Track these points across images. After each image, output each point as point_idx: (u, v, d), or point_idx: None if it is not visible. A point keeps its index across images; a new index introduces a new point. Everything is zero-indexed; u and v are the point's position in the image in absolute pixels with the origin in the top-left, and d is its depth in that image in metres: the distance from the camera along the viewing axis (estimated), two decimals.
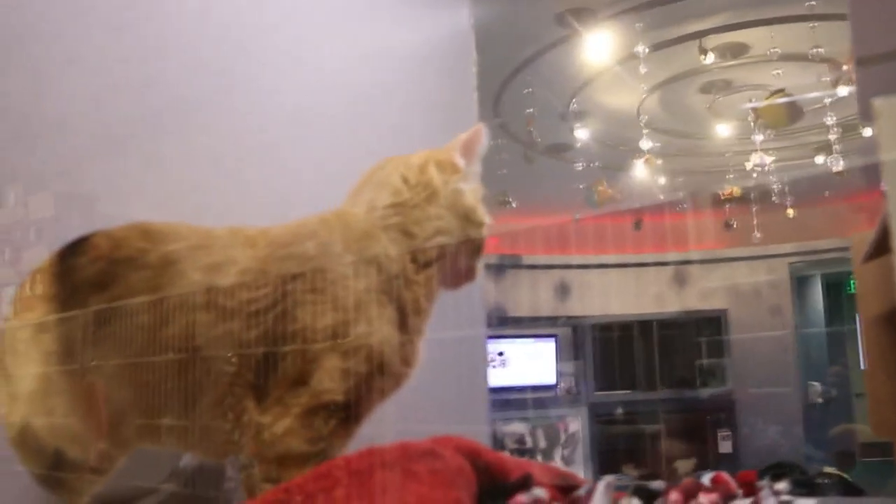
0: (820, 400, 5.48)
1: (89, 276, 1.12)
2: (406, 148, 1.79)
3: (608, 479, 0.95)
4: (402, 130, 2.00)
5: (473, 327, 1.85)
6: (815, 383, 5.47)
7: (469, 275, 1.18)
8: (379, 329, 1.09)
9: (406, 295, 1.13)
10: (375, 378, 1.10)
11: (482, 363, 2.07)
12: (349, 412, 1.09)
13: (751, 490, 1.03)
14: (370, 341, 1.09)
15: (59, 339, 1.13)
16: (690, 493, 0.97)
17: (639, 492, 0.95)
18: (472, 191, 1.19)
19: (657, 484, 0.99)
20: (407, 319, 1.12)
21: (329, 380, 1.08)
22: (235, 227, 1.16)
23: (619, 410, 5.78)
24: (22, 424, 1.16)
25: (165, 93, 1.50)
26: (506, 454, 1.14)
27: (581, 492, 1.00)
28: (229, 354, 1.09)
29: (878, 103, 0.76)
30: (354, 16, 1.91)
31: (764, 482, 1.04)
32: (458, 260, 1.15)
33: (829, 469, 4.23)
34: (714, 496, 0.99)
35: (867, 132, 3.98)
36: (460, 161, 1.18)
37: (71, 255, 1.16)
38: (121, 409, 1.13)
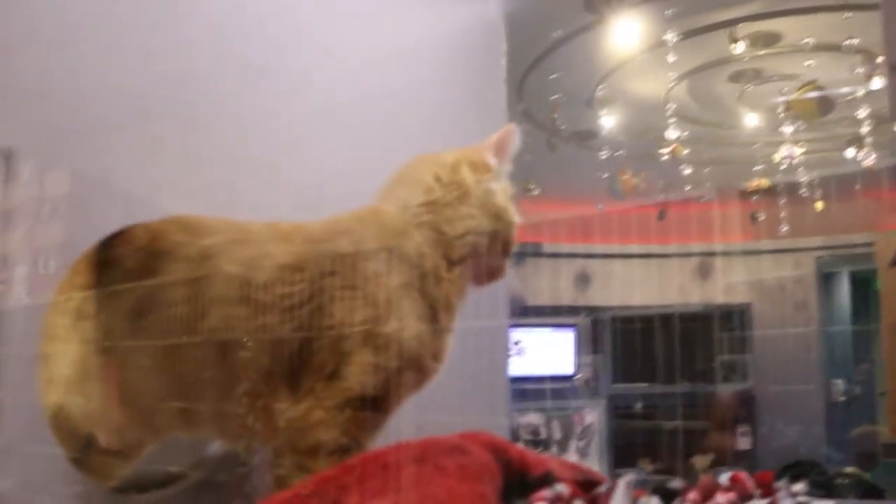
0: (843, 398, 5.42)
1: (128, 267, 1.16)
2: (435, 140, 1.76)
3: (628, 477, 0.97)
4: (431, 122, 1.99)
5: (495, 318, 1.84)
6: (839, 381, 5.40)
7: (498, 272, 1.22)
8: (410, 325, 1.12)
9: (437, 292, 1.15)
10: (405, 373, 1.13)
11: (503, 354, 2.06)
12: (379, 406, 1.12)
13: (768, 490, 1.05)
14: (401, 337, 1.11)
15: (98, 327, 1.16)
16: (708, 493, 0.98)
17: (658, 490, 0.97)
18: (503, 190, 1.21)
19: (676, 483, 1.01)
20: (437, 315, 1.15)
21: (360, 374, 1.10)
22: (272, 223, 1.19)
23: (637, 403, 5.73)
24: (56, 408, 1.19)
25: (196, 84, 1.50)
26: (528, 450, 1.16)
27: (602, 489, 1.03)
28: (263, 344, 1.11)
29: None
30: (384, 7, 1.89)
31: (781, 483, 1.06)
32: (488, 258, 1.18)
33: (849, 469, 4.18)
34: (731, 495, 1.01)
35: None
36: (492, 161, 1.20)
37: (111, 245, 1.19)
38: (156, 397, 1.17)
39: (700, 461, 5.38)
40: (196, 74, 1.49)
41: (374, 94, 1.83)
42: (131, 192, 1.41)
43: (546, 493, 0.99)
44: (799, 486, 1.08)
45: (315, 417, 1.09)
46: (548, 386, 5.71)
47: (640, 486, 1.16)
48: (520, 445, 1.13)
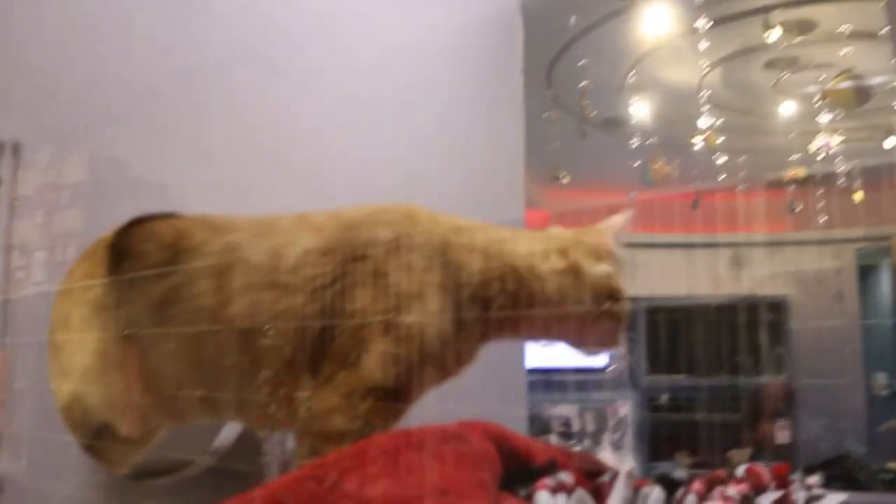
0: (884, 392, 5.31)
1: (153, 262, 1.20)
2: (450, 131, 1.76)
3: (629, 466, 1.01)
4: (445, 114, 1.99)
5: None
6: (880, 374, 5.29)
7: (610, 342, 1.22)
8: (433, 322, 1.12)
9: (468, 300, 1.15)
10: (424, 368, 1.14)
11: (520, 346, 2.08)
12: (397, 397, 1.13)
13: (783, 483, 1.08)
14: (422, 332, 1.12)
15: (121, 317, 1.21)
16: (714, 484, 1.01)
17: (661, 480, 1.00)
18: (616, 271, 1.21)
19: (680, 473, 1.05)
20: (465, 321, 1.15)
21: (377, 364, 1.11)
22: (303, 214, 1.22)
23: (672, 396, 5.67)
24: (71, 396, 1.23)
25: (210, 76, 1.52)
26: (532, 439, 1.20)
27: (605, 478, 1.07)
28: (286, 329, 1.14)
29: None
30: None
31: (796, 476, 1.10)
32: (595, 329, 1.18)
33: (893, 464, 4.11)
34: (744, 486, 1.04)
35: None
36: (612, 246, 1.23)
37: (133, 237, 1.24)
38: (181, 384, 1.20)
39: (737, 455, 5.31)
40: (208, 67, 1.51)
41: (388, 85, 1.83)
42: (144, 181, 1.43)
43: (548, 481, 1.00)
44: (814, 479, 1.08)
45: (332, 404, 1.10)
46: (580, 378, 5.68)
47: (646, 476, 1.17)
48: (522, 434, 1.17)
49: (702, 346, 5.48)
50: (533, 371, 5.44)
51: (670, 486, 1.01)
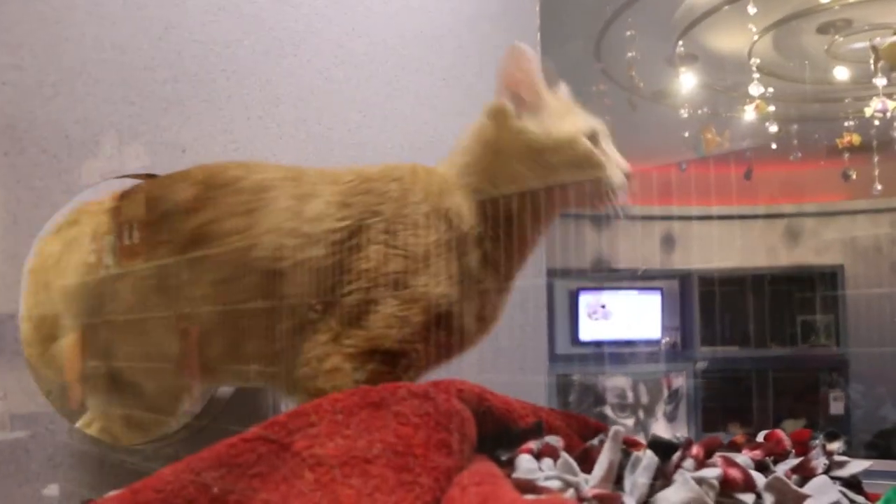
0: None
1: (184, 201, 1.18)
2: (462, 98, 1.78)
3: (618, 428, 0.92)
4: (458, 81, 1.98)
5: (532, 277, 1.84)
6: None
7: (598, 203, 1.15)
8: (440, 283, 1.10)
9: (475, 253, 1.13)
10: (435, 332, 1.11)
11: (541, 314, 2.06)
12: (402, 362, 1.10)
13: (803, 449, 1.03)
14: (430, 293, 1.09)
15: (156, 274, 1.19)
16: (712, 449, 0.94)
17: (654, 444, 0.93)
18: (553, 122, 1.13)
19: (676, 438, 0.96)
20: (474, 277, 1.13)
21: (384, 325, 1.09)
22: (324, 168, 1.21)
23: (727, 367, 5.65)
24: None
25: (226, 53, 1.55)
26: (517, 400, 1.11)
27: (595, 441, 1.00)
28: (303, 280, 1.11)
29: None
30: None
31: (817, 441, 1.03)
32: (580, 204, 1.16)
33: None
34: (757, 452, 0.99)
35: None
36: (507, 102, 1.13)
37: (162, 184, 1.26)
38: (206, 337, 1.18)
39: (790, 425, 5.29)
40: (225, 43, 1.54)
41: (408, 66, 1.85)
42: (187, 145, 1.47)
43: (533, 444, 0.94)
44: (836, 445, 1.04)
45: (332, 363, 1.08)
46: (634, 349, 5.68)
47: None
48: (507, 396, 1.08)
49: (755, 317, 5.44)
50: (587, 343, 5.49)
51: (666, 450, 0.93)
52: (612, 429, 0.91)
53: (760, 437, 1.07)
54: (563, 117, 1.15)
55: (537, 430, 1.00)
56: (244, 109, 1.55)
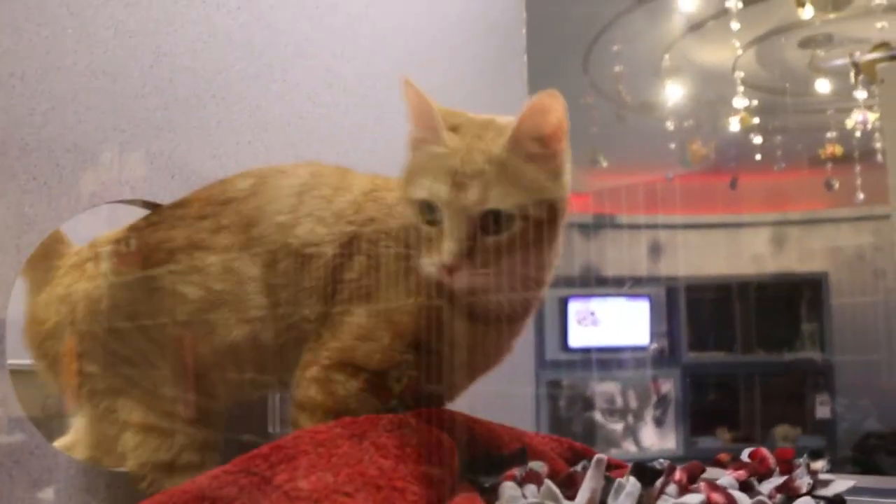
0: None
1: (194, 215, 1.24)
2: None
3: (601, 455, 0.93)
4: (447, 103, 2.03)
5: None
6: None
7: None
8: (408, 299, 1.09)
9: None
10: (412, 351, 1.09)
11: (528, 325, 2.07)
12: (375, 378, 1.08)
13: (787, 467, 1.04)
14: (398, 309, 1.09)
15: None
16: (695, 474, 0.96)
17: (637, 470, 0.94)
18: (413, 174, 1.09)
19: (659, 463, 0.98)
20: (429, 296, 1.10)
21: (350, 338, 1.10)
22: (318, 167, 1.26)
23: (714, 373, 5.70)
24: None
25: (217, 70, 1.58)
26: (503, 426, 1.13)
27: (578, 468, 1.02)
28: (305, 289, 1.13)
29: (882, 68, 0.76)
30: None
31: (801, 460, 1.05)
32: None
33: None
34: (741, 473, 1.01)
35: None
36: (414, 134, 1.11)
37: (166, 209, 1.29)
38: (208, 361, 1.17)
39: (781, 431, 5.34)
40: (216, 70, 1.56)
41: (397, 89, 1.86)
42: (187, 155, 1.50)
43: (515, 471, 0.94)
44: (819, 464, 1.03)
45: (312, 373, 1.09)
46: (623, 356, 5.73)
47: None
48: (489, 421, 1.09)
49: (742, 323, 5.50)
50: (577, 350, 5.53)
51: (649, 475, 0.94)
52: (595, 456, 0.93)
53: (745, 455, 1.09)
54: (422, 172, 1.07)
55: (521, 457, 1.03)
56: (234, 135, 1.58)
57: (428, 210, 1.04)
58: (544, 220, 1.05)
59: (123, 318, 1.22)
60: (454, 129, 1.08)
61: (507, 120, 1.07)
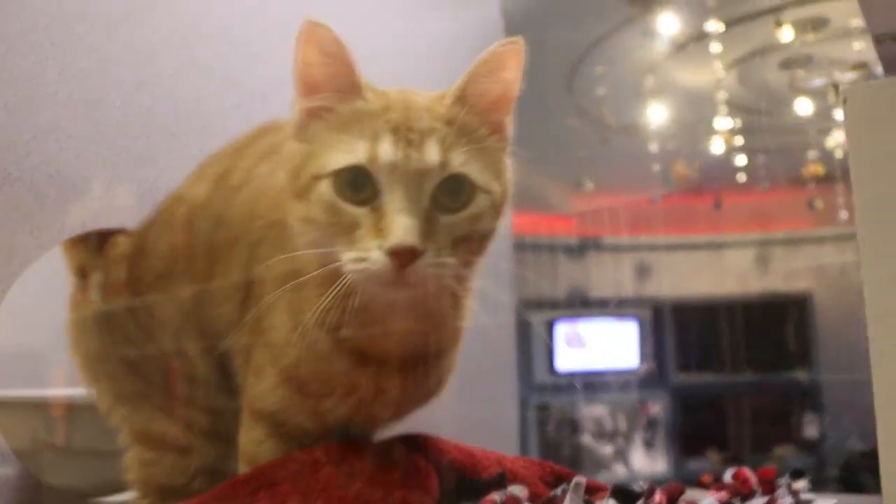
0: None
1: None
2: None
3: (579, 478, 0.93)
4: None
5: (499, 315, 1.85)
6: None
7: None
8: (290, 334, 0.91)
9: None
10: (303, 394, 0.93)
11: (510, 349, 2.07)
12: (278, 426, 0.94)
13: (769, 487, 1.05)
14: (291, 349, 0.92)
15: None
16: (674, 495, 0.96)
17: (617, 493, 0.93)
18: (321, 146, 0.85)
19: (638, 485, 0.97)
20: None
21: (252, 377, 0.96)
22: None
23: (702, 394, 5.70)
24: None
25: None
26: (483, 450, 1.08)
27: (558, 491, 1.00)
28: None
29: (846, 88, 0.77)
30: (382, 5, 1.93)
31: (783, 480, 1.06)
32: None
33: None
34: (723, 494, 1.01)
35: None
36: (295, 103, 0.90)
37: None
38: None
39: (781, 451, 5.34)
40: (196, 99, 1.56)
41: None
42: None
43: (495, 495, 0.92)
44: (800, 484, 1.03)
45: (242, 419, 0.98)
46: (611, 378, 5.72)
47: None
48: (469, 446, 1.05)
49: (729, 343, 5.51)
50: (565, 374, 5.52)
51: (628, 498, 0.92)
52: (574, 479, 0.93)
53: (728, 476, 1.09)
54: (342, 135, 0.84)
55: (500, 481, 1.01)
56: None
57: (356, 183, 0.80)
58: (499, 211, 0.86)
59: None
60: (371, 89, 0.87)
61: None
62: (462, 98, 0.85)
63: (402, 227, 0.76)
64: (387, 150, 0.79)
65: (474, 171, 0.82)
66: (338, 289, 0.80)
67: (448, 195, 0.81)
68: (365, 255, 0.78)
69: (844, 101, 0.79)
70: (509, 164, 0.90)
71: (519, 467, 1.09)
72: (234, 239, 1.01)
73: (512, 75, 0.85)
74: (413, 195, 0.79)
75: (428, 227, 0.79)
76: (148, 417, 1.12)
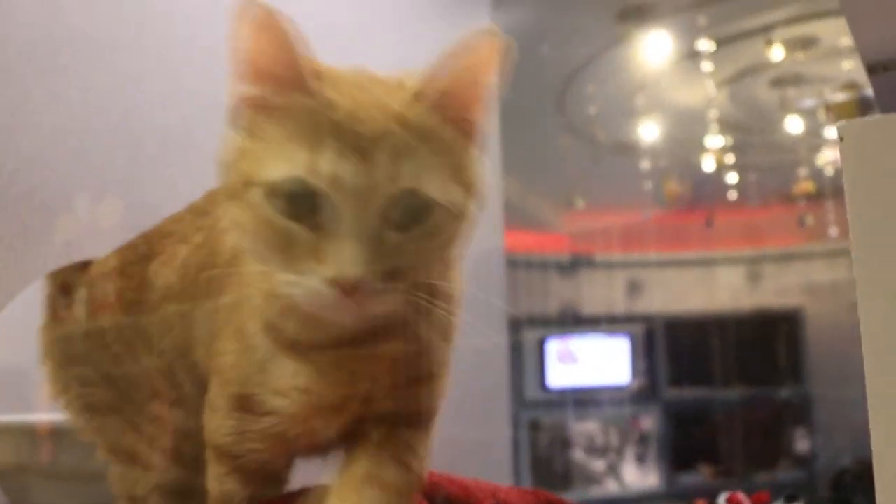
0: None
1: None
2: None
3: None
4: None
5: (490, 335, 1.85)
6: None
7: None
8: (226, 347, 0.85)
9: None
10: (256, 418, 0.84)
11: (503, 369, 2.08)
12: (243, 461, 0.86)
13: None
14: (226, 364, 0.85)
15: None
16: None
17: None
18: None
19: None
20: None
21: (211, 416, 0.88)
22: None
23: (694, 409, 5.71)
24: None
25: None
26: (477, 481, 1.05)
27: None
28: None
29: (841, 126, 0.75)
30: (374, 27, 1.93)
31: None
32: None
33: None
34: None
35: None
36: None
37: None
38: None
39: (782, 465, 5.34)
40: (184, 127, 1.55)
41: None
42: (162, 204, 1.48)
43: None
44: None
45: (210, 420, 0.90)
46: (603, 394, 5.72)
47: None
48: (466, 479, 1.02)
49: (721, 359, 5.52)
50: (556, 391, 5.52)
51: None
52: None
53: (721, 500, 1.10)
54: (282, 139, 0.72)
55: None
56: (203, 190, 1.57)
57: (293, 196, 0.69)
58: (464, 217, 0.75)
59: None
60: (320, 76, 0.73)
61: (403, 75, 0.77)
62: (424, 93, 0.72)
63: (344, 254, 0.67)
64: (329, 160, 0.67)
65: (433, 185, 0.70)
66: (278, 309, 0.76)
67: (401, 212, 0.69)
68: (302, 281, 0.68)
69: (841, 139, 0.78)
70: (480, 170, 0.78)
71: (513, 498, 1.06)
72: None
73: (485, 69, 0.74)
74: (359, 214, 0.67)
75: (375, 249, 0.68)
76: (119, 431, 1.10)
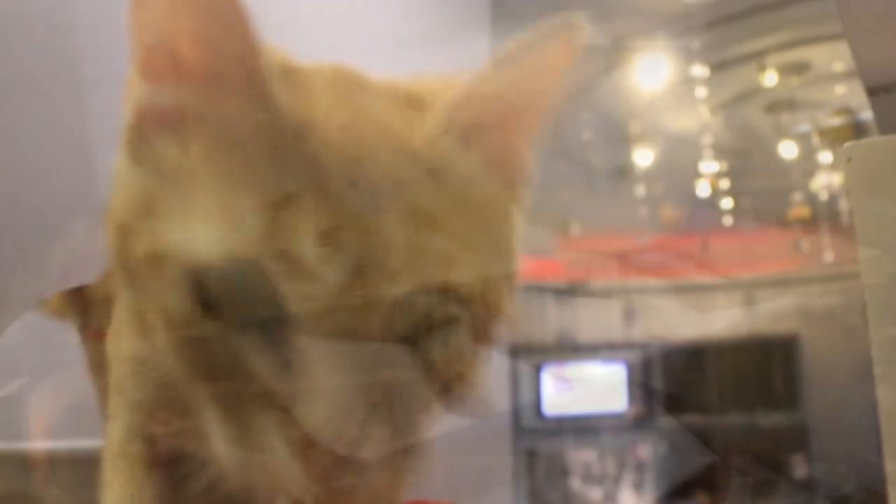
0: None
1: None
2: None
3: None
4: None
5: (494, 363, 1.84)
6: None
7: None
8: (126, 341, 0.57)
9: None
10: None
11: (502, 395, 2.07)
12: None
13: None
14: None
15: None
16: None
17: None
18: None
19: None
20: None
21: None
22: None
23: (691, 436, 5.68)
24: None
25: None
26: None
27: None
28: None
29: (848, 146, 0.75)
30: (367, 42, 1.95)
31: None
32: None
33: None
34: None
35: None
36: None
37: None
38: None
39: (784, 488, 5.30)
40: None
41: None
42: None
43: None
44: None
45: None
46: (599, 422, 5.70)
47: None
48: None
49: (716, 386, 5.51)
50: (552, 418, 5.49)
51: None
52: None
53: None
54: (212, 188, 0.41)
55: None
56: None
57: (235, 288, 0.39)
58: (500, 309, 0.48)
59: None
60: (289, 78, 0.43)
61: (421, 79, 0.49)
62: (458, 117, 0.46)
63: (321, 408, 0.40)
64: (300, 225, 0.38)
65: (469, 269, 0.43)
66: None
67: (415, 319, 0.42)
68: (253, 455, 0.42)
69: (848, 160, 0.77)
70: (518, 227, 0.52)
71: None
72: None
73: (552, 82, 0.51)
74: (350, 328, 0.39)
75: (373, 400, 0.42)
76: None
